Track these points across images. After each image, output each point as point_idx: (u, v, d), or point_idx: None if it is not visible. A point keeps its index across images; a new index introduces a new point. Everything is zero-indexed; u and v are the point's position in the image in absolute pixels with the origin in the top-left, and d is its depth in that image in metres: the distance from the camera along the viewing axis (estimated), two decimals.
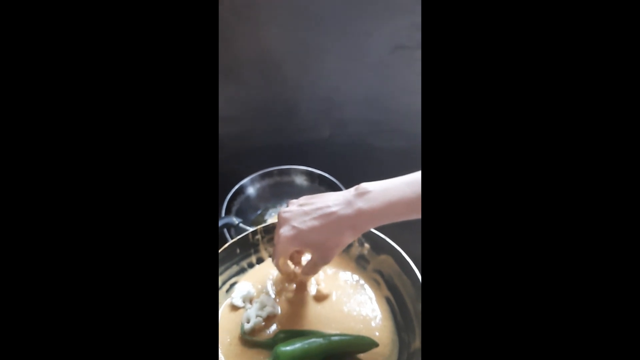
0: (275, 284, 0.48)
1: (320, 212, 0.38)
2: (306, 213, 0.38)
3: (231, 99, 0.76)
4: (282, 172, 0.78)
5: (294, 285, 0.47)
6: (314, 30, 0.70)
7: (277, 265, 0.44)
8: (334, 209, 0.37)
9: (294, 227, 0.38)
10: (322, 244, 0.38)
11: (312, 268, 0.42)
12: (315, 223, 0.37)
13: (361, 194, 0.37)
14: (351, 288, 0.48)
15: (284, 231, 0.39)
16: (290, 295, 0.46)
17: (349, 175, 0.72)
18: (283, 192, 0.77)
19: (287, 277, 0.46)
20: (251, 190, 0.76)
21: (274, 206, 0.76)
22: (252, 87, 0.77)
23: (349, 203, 0.37)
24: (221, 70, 0.73)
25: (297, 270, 0.46)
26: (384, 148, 0.86)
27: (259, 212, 0.75)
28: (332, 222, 0.37)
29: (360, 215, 0.36)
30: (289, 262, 0.46)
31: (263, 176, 0.77)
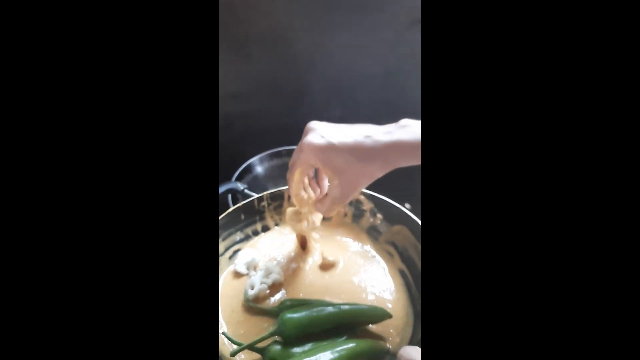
0: (287, 219, 0.43)
1: (355, 131, 0.34)
2: (340, 129, 0.35)
3: (240, 75, 0.75)
4: (290, 153, 0.76)
5: (305, 225, 0.43)
6: (328, 4, 0.69)
7: (289, 180, 0.39)
8: (370, 132, 0.34)
9: (323, 137, 0.34)
10: (348, 168, 0.34)
11: (330, 205, 0.37)
12: (348, 140, 0.34)
13: (403, 126, 0.33)
14: (361, 258, 0.46)
15: (311, 138, 0.35)
16: (300, 228, 0.42)
17: None
18: None
19: (298, 203, 0.41)
20: (259, 170, 0.74)
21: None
22: (263, 63, 0.76)
23: (388, 132, 0.33)
24: (231, 46, 0.72)
25: (311, 197, 0.41)
26: None
27: None
28: (366, 145, 0.33)
29: (398, 146, 0.32)
30: (303, 192, 0.41)
31: (272, 156, 0.76)
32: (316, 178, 0.42)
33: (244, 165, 0.72)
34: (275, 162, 0.76)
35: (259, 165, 0.75)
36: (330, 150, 0.34)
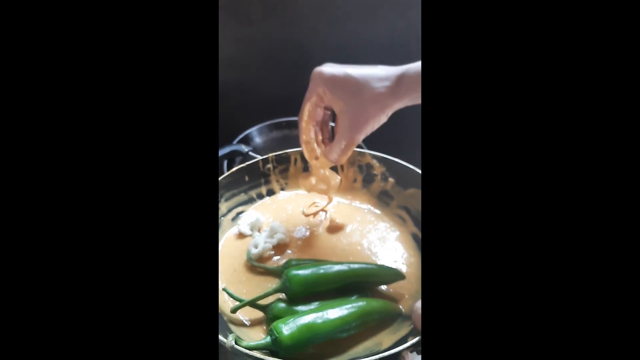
0: (299, 181, 0.45)
1: (366, 65, 0.37)
2: (350, 66, 0.37)
3: (237, 40, 0.75)
4: (291, 125, 0.76)
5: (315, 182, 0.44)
6: None
7: (300, 121, 0.40)
8: (382, 66, 0.37)
9: (335, 67, 0.37)
10: (358, 95, 0.35)
11: (339, 148, 0.38)
12: (361, 70, 0.36)
13: (418, 62, 0.36)
14: (372, 222, 0.46)
15: (323, 68, 0.37)
16: (311, 187, 0.43)
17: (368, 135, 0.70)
18: (292, 147, 0.76)
19: (308, 154, 0.42)
20: (258, 141, 0.74)
21: None
22: (262, 27, 0.76)
23: (402, 65, 0.36)
24: (227, 6, 0.72)
25: (320, 149, 0.42)
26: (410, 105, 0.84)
27: None
28: (378, 72, 0.36)
29: (411, 71, 0.35)
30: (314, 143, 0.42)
31: (271, 127, 0.76)
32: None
33: (241, 136, 0.72)
34: (275, 134, 0.76)
35: (257, 137, 0.75)
36: (340, 77, 0.36)
